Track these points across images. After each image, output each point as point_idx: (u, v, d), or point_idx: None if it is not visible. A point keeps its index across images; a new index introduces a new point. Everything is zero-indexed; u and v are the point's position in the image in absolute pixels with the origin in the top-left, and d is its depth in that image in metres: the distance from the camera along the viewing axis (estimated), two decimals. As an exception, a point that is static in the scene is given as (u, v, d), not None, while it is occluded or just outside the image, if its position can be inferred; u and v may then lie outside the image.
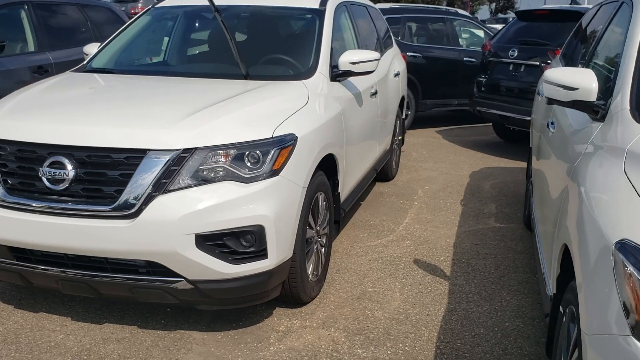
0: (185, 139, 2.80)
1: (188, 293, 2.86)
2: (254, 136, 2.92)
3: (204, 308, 3.16)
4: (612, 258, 1.75)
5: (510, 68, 7.31)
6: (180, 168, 2.76)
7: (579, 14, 6.77)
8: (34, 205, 2.85)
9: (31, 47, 6.37)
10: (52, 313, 3.38)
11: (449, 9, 9.80)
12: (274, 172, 2.91)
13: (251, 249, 2.85)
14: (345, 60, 3.94)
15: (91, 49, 4.41)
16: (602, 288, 1.78)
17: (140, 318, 3.32)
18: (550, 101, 2.74)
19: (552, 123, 3.37)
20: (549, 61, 6.71)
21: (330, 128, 3.58)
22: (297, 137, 3.08)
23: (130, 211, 2.73)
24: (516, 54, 7.16)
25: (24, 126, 2.96)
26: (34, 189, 2.86)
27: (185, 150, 2.78)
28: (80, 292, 3.01)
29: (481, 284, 3.81)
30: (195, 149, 2.79)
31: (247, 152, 2.88)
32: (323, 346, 3.07)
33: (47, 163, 2.81)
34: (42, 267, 2.95)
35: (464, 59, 9.08)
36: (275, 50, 4.13)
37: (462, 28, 9.74)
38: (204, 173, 2.80)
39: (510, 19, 7.88)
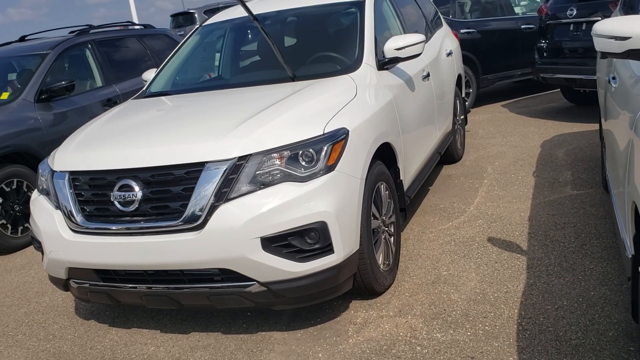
0: (239, 147, 2.89)
1: (262, 295, 2.94)
2: (306, 135, 2.97)
3: (280, 308, 3.24)
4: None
5: (571, 28, 7.01)
6: (238, 176, 2.86)
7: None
8: (110, 228, 3.03)
9: (99, 82, 6.74)
10: (143, 328, 3.57)
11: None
12: (330, 168, 2.95)
13: (317, 246, 2.89)
14: (390, 47, 3.92)
15: (149, 75, 4.62)
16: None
17: (223, 324, 3.45)
18: (604, 55, 2.62)
19: (613, 78, 3.22)
20: (606, 15, 6.39)
21: (383, 117, 3.58)
22: (348, 130, 3.10)
23: (197, 223, 2.85)
24: (575, 12, 6.86)
25: (93, 156, 3.15)
26: (108, 213, 3.04)
27: (241, 158, 2.87)
28: (164, 305, 3.16)
29: (561, 255, 3.69)
30: (250, 155, 2.88)
31: (301, 152, 2.93)
32: (401, 334, 3.08)
33: (117, 187, 2.99)
34: (127, 285, 3.12)
35: (522, 26, 8.77)
36: (320, 48, 4.18)
37: (516, -5, 9.41)
38: (261, 177, 2.88)
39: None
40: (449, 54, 5.72)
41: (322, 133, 3.00)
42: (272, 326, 3.35)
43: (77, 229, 3.11)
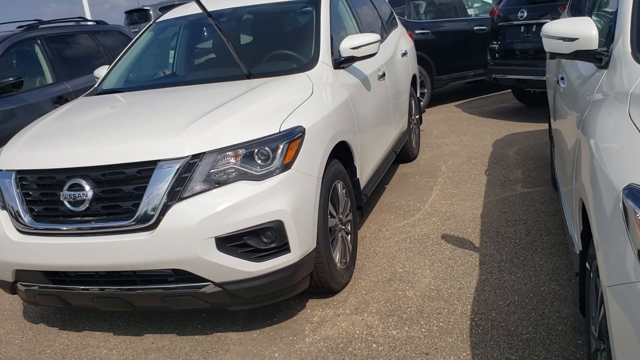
0: (192, 145, 2.85)
1: (217, 296, 2.90)
2: (261, 133, 2.95)
3: (235, 308, 3.21)
4: (621, 205, 1.72)
5: (522, 30, 7.18)
6: (191, 174, 2.81)
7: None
8: (60, 228, 2.94)
9: (49, 79, 6.53)
10: (95, 330, 3.48)
11: (452, -20, 9.64)
12: (286, 167, 2.93)
13: (273, 245, 2.88)
14: (346, 46, 3.94)
15: (101, 72, 4.51)
16: (616, 237, 1.76)
17: (178, 326, 3.40)
18: (552, 55, 2.70)
19: (562, 78, 3.32)
20: (555, 17, 6.57)
21: (340, 116, 3.59)
22: (304, 128, 3.09)
23: (149, 222, 2.80)
24: (526, 14, 7.03)
25: (41, 155, 3.05)
26: (58, 213, 2.95)
27: (194, 156, 2.83)
28: (116, 306, 3.09)
29: (512, 251, 3.77)
30: (204, 153, 2.84)
31: (256, 150, 2.91)
32: (357, 331, 3.09)
33: (66, 186, 2.90)
34: (77, 287, 3.04)
35: (475, 28, 8.94)
36: (276, 46, 4.16)
37: (469, -3, 9.59)
38: (216, 176, 2.84)
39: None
40: (404, 54, 5.78)
41: (278, 131, 2.98)
42: (228, 327, 3.32)
43: (24, 230, 3.01)
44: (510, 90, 8.52)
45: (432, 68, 8.67)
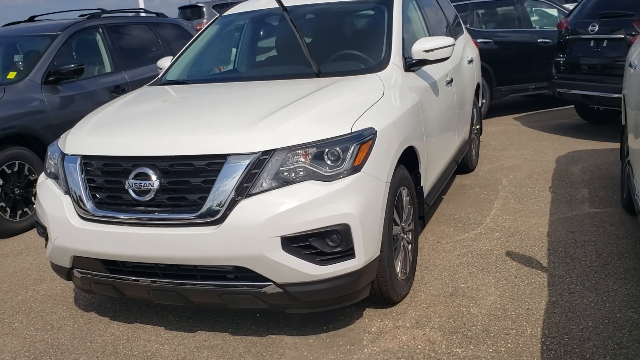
0: (263, 141, 2.75)
1: (277, 297, 2.80)
2: (332, 133, 2.84)
3: (294, 312, 3.11)
4: None
5: (592, 44, 6.89)
6: (261, 171, 2.72)
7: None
8: (122, 217, 2.88)
9: (108, 68, 6.58)
10: (146, 323, 3.42)
11: (518, -10, 9.38)
12: (355, 169, 2.81)
13: (338, 249, 2.76)
14: (419, 48, 3.80)
15: (164, 62, 4.48)
16: None
17: (231, 325, 3.31)
18: None
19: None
20: (634, 33, 6.29)
21: (409, 120, 3.45)
22: (376, 131, 2.97)
23: (215, 217, 2.71)
24: (597, 28, 6.74)
25: (108, 141, 3.01)
26: (121, 202, 2.90)
27: (265, 153, 2.73)
28: (172, 301, 3.02)
29: (583, 274, 3.56)
30: (274, 150, 2.74)
31: (327, 150, 2.79)
32: (419, 347, 2.94)
33: (132, 175, 2.84)
34: (134, 278, 2.98)
35: (538, 40, 8.68)
36: (345, 45, 4.05)
37: (533, 8, 9.32)
38: (285, 174, 2.74)
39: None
40: (470, 61, 5.60)
41: (349, 132, 2.87)
42: (283, 330, 3.21)
43: (86, 216, 2.97)
44: (571, 106, 8.22)
45: (492, 78, 8.45)
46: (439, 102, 4.21)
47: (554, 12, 9.40)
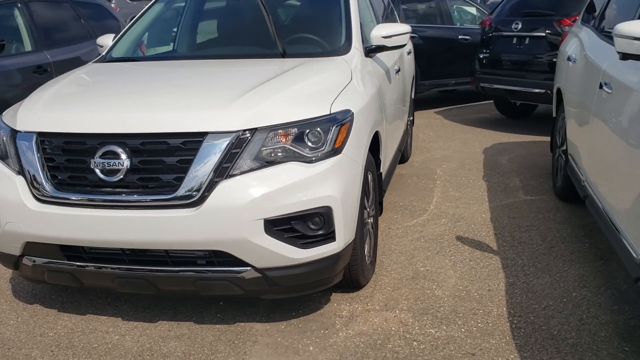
0: (244, 119, 2.65)
1: (255, 282, 2.71)
2: (313, 113, 2.78)
3: (269, 297, 3.03)
4: None
5: (514, 41, 7.23)
6: (241, 150, 2.62)
7: (581, -16, 6.74)
8: (86, 199, 2.67)
9: (28, 46, 6.09)
10: (100, 314, 3.20)
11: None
12: (336, 151, 2.78)
13: (320, 232, 2.71)
14: (377, 34, 3.81)
15: (106, 40, 4.20)
16: None
17: (194, 314, 3.17)
18: (625, 56, 2.64)
19: (606, 84, 3.28)
20: (550, 31, 6.69)
21: (375, 105, 3.46)
22: (353, 113, 2.94)
23: (193, 199, 2.58)
24: (520, 26, 7.09)
25: (70, 117, 2.78)
26: (86, 182, 2.69)
27: (245, 132, 2.63)
28: (138, 289, 2.86)
29: (533, 256, 3.73)
30: (256, 129, 2.65)
31: (307, 131, 2.73)
32: (393, 328, 2.96)
33: (99, 154, 2.64)
34: (97, 265, 2.78)
35: (459, 37, 9.01)
36: (302, 27, 3.99)
37: (454, 6, 9.66)
38: (266, 155, 2.65)
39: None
40: (409, 52, 5.71)
41: (328, 112, 2.82)
42: (250, 317, 3.12)
43: (44, 198, 2.72)
44: (488, 101, 8.62)
45: (417, 72, 8.66)
46: (391, 90, 4.25)
47: (472, 10, 9.80)
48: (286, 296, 3.02)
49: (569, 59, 4.47)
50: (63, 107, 2.92)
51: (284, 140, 2.69)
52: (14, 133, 2.86)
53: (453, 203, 4.81)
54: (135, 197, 2.63)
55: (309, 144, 2.72)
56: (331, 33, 3.84)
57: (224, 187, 2.57)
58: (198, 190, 2.57)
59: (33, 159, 2.74)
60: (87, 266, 2.80)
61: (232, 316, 3.14)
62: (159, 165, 2.62)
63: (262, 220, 2.59)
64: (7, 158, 2.87)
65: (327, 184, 2.71)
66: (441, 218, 4.47)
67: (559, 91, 4.89)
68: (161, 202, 2.61)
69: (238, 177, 2.60)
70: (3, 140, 2.92)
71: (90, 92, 3.12)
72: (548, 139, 5.68)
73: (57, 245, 2.77)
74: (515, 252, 3.82)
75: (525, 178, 5.43)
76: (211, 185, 2.58)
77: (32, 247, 2.82)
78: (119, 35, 4.15)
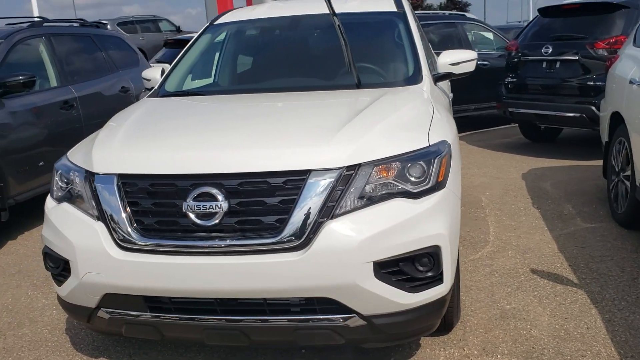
0: (347, 154, 2.46)
1: (359, 331, 2.48)
2: (413, 146, 2.59)
3: (370, 346, 2.80)
4: None
5: (544, 65, 7.15)
6: (346, 188, 2.42)
7: (612, 5, 6.70)
8: (178, 245, 2.45)
9: (53, 82, 5.90)
10: (175, 368, 2.96)
11: (457, 13, 9.66)
12: (439, 185, 2.59)
13: (429, 274, 2.50)
14: (445, 61, 3.68)
15: (152, 73, 4.02)
16: None
17: (278, 364, 2.93)
18: None
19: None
20: (583, 54, 6.62)
21: (455, 134, 3.29)
22: (449, 143, 2.77)
23: (299, 242, 2.37)
24: (551, 50, 7.01)
25: (156, 157, 2.56)
26: (176, 227, 2.47)
27: (349, 168, 2.44)
28: (229, 341, 2.62)
29: (619, 289, 3.54)
30: (360, 165, 2.45)
31: (410, 165, 2.54)
32: (501, 375, 2.74)
33: (192, 196, 2.43)
34: (185, 316, 2.54)
35: (477, 62, 8.92)
36: (366, 57, 3.81)
37: (472, 31, 9.62)
38: (370, 192, 2.46)
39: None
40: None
41: (427, 144, 2.64)
42: (341, 366, 2.89)
43: (129, 246, 2.50)
44: (509, 125, 8.52)
45: (441, 99, 8.56)
46: (450, 119, 4.09)
47: (490, 35, 9.76)
48: (387, 345, 2.79)
49: (631, 82, 4.34)
50: (146, 146, 2.71)
51: (388, 175, 2.50)
52: (89, 175, 2.65)
53: (512, 233, 4.62)
54: (234, 241, 2.41)
55: (412, 178, 2.53)
56: (398, 62, 3.70)
57: (331, 228, 2.36)
58: (303, 232, 2.37)
59: (116, 204, 2.52)
60: (173, 318, 2.56)
61: (320, 366, 2.91)
62: (259, 206, 2.41)
63: (372, 263, 2.38)
64: (82, 202, 2.66)
65: (435, 221, 2.51)
66: (506, 250, 4.28)
67: (615, 115, 4.75)
68: (264, 246, 2.39)
69: (344, 216, 2.39)
70: (76, 183, 2.71)
71: (170, 130, 2.91)
72: (584, 162, 5.55)
73: (142, 296, 2.54)
74: (599, 284, 3.62)
75: (576, 205, 5.26)
76: (316, 227, 2.37)
77: (112, 299, 2.58)
78: (170, 69, 3.97)
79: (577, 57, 6.76)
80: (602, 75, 6.62)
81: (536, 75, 7.30)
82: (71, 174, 2.76)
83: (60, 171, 2.84)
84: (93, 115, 6.19)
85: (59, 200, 2.78)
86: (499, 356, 2.90)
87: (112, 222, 2.52)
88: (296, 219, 2.37)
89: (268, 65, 3.99)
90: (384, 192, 2.47)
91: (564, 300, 3.44)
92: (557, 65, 7.02)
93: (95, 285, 2.55)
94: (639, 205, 4.27)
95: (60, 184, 2.82)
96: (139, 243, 2.48)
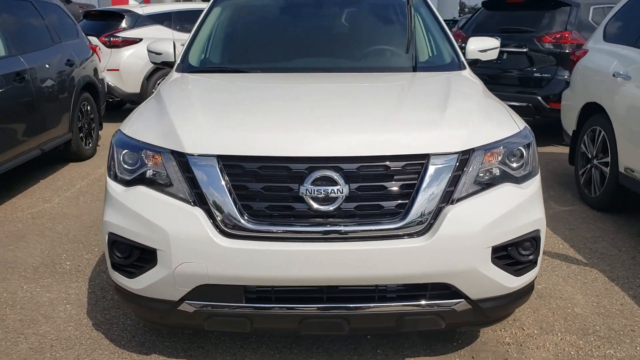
0: (463, 139, 2.43)
1: (463, 315, 2.48)
2: (511, 131, 2.62)
3: (464, 329, 2.80)
4: None
5: (492, 56, 7.45)
6: (462, 173, 2.40)
7: (554, 2, 7.14)
8: (294, 231, 2.29)
9: (1, 51, 5.25)
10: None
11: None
12: (535, 169, 2.64)
13: (530, 257, 2.55)
14: (474, 48, 3.75)
15: (163, 46, 3.72)
16: None
17: (348, 352, 2.86)
18: None
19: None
20: (532, 48, 7.03)
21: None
22: (529, 129, 2.82)
23: (422, 227, 2.31)
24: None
25: (266, 138, 2.37)
26: (290, 213, 2.31)
27: (465, 152, 2.42)
28: (328, 329, 2.51)
29: (626, 267, 3.83)
30: (473, 149, 2.44)
31: (512, 150, 2.57)
32: (572, 352, 2.87)
33: (309, 180, 2.28)
34: (285, 305, 2.40)
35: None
36: (396, 40, 3.77)
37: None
38: (482, 177, 2.46)
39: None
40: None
41: (518, 129, 2.67)
42: (413, 351, 2.87)
43: (237, 233, 2.30)
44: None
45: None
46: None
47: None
48: (475, 328, 2.81)
49: (614, 75, 4.65)
50: (249, 126, 2.47)
51: (495, 160, 2.51)
52: (178, 156, 2.39)
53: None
54: (355, 227, 2.30)
55: (513, 164, 2.56)
56: (437, 47, 3.69)
57: (453, 214, 2.33)
58: (426, 217, 2.31)
59: (219, 188, 2.30)
60: (273, 308, 2.40)
61: (394, 352, 2.87)
62: (379, 191, 2.32)
63: (490, 248, 2.38)
64: (167, 186, 2.40)
65: (537, 206, 2.57)
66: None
67: (589, 106, 5.06)
68: (387, 231, 2.31)
69: (463, 201, 2.37)
70: (157, 164, 2.44)
71: (259, 110, 2.69)
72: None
73: (242, 286, 2.35)
74: (606, 264, 3.89)
75: (545, 189, 5.57)
76: (438, 212, 2.33)
77: (204, 291, 2.36)
78: (187, 43, 3.68)
79: (525, 50, 7.14)
80: (548, 67, 7.08)
81: (483, 65, 7.60)
82: (144, 153, 2.49)
83: (126, 150, 2.55)
84: (43, 90, 5.62)
85: (129, 183, 2.50)
86: (559, 334, 3.03)
87: (214, 208, 2.31)
88: (419, 204, 2.31)
89: (303, 42, 3.79)
90: (493, 177, 2.48)
91: (585, 279, 3.66)
92: (504, 56, 7.37)
93: (191, 276, 2.33)
94: (618, 190, 4.62)
95: (125, 165, 2.53)
96: (249, 229, 2.30)
